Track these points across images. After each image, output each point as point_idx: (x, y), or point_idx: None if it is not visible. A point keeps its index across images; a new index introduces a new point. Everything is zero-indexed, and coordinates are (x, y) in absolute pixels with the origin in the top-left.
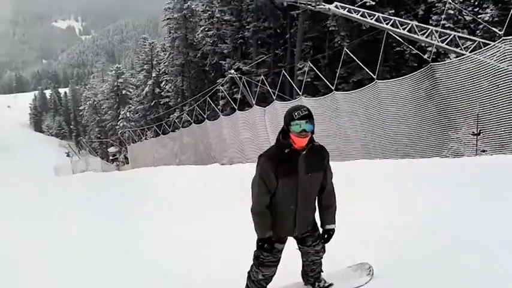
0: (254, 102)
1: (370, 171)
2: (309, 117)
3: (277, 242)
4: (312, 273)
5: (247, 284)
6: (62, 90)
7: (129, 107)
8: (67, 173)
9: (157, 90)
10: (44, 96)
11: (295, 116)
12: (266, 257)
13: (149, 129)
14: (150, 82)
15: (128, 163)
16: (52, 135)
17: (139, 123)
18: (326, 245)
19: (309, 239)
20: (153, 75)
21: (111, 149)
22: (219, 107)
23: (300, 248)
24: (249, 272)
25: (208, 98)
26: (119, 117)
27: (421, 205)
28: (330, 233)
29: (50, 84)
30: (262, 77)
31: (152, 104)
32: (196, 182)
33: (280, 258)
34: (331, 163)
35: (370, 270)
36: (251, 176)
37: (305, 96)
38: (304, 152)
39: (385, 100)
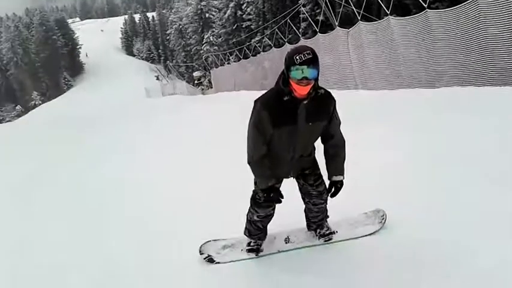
0: (337, 24)
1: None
2: (312, 61)
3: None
4: (314, 219)
5: (245, 225)
6: (149, 15)
7: (212, 31)
8: (157, 95)
9: (239, 13)
10: (133, 20)
11: (296, 60)
12: (261, 197)
13: (231, 54)
14: (231, 5)
15: (211, 87)
16: (143, 59)
17: (222, 48)
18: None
19: (311, 177)
20: None
21: (196, 74)
22: (300, 30)
23: (301, 188)
24: (247, 213)
25: (289, 20)
26: (203, 42)
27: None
28: (337, 186)
29: (139, 9)
30: None
31: (234, 27)
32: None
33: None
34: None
35: (383, 218)
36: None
37: (394, 16)
38: (305, 102)
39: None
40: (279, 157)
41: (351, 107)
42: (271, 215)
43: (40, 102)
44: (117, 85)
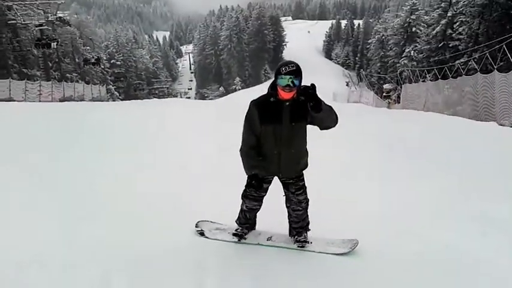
0: None
1: None
2: (295, 73)
3: (262, 180)
4: (294, 224)
5: (238, 215)
6: (356, 22)
7: (415, 46)
8: (343, 100)
9: (449, 31)
10: (339, 25)
11: (282, 71)
12: (250, 191)
13: (429, 72)
14: (443, 21)
15: (399, 102)
16: (338, 64)
17: (421, 64)
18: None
19: (293, 186)
20: (449, 14)
21: (386, 86)
22: None
23: (285, 193)
24: (241, 204)
25: (504, 46)
26: (402, 55)
27: None
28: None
29: (347, 15)
30: None
31: (440, 45)
32: (467, 140)
33: (263, 196)
34: None
35: (354, 245)
36: None
37: None
38: (287, 104)
39: None
40: (267, 154)
41: None
42: (257, 209)
43: (240, 88)
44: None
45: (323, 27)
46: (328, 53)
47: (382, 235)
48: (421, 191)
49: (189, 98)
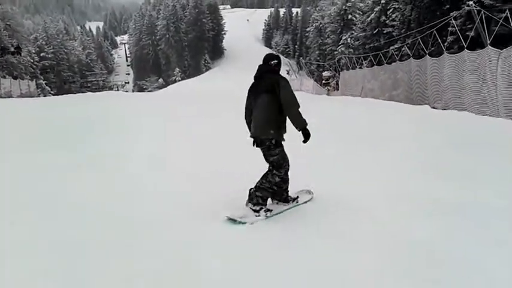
0: (489, 43)
1: None
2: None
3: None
4: (257, 183)
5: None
6: (294, 10)
7: (351, 33)
8: None
9: (383, 18)
10: (278, 13)
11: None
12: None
13: (365, 58)
14: (377, 9)
15: (337, 89)
16: (278, 52)
17: (358, 51)
18: None
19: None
20: (383, 1)
21: (325, 73)
22: (445, 43)
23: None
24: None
25: (435, 32)
26: (340, 43)
27: None
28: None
29: (285, 3)
30: (507, 13)
31: (375, 32)
32: (405, 125)
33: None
34: None
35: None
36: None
37: None
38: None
39: None
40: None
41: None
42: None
43: (180, 78)
44: (249, 73)
45: (262, 15)
46: (267, 41)
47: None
48: (363, 171)
49: (126, 91)
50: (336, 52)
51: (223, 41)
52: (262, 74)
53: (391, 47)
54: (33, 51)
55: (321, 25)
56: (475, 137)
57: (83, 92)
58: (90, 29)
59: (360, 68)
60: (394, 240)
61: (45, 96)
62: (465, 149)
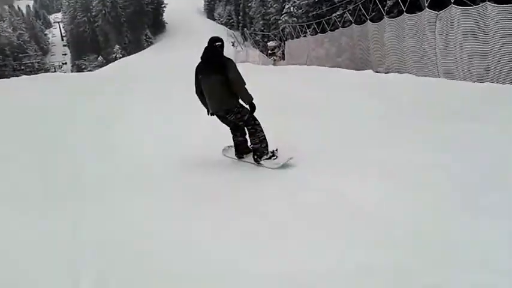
0: (426, 5)
1: None
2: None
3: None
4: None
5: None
6: None
7: (294, 2)
8: None
9: None
10: None
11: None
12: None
13: (309, 27)
14: None
15: (284, 59)
16: (222, 24)
17: (301, 20)
18: None
19: (226, 118)
20: None
21: (270, 43)
22: (385, 8)
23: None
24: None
25: None
26: (283, 12)
27: None
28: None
29: None
30: None
31: (316, 0)
32: (351, 92)
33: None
34: None
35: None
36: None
37: (492, 3)
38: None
39: None
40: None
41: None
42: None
43: (120, 55)
44: (193, 47)
45: None
46: (210, 13)
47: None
48: (315, 137)
49: (65, 72)
50: (279, 21)
51: (164, 14)
52: (209, 56)
53: (334, 14)
54: None
55: None
56: (415, 98)
57: (17, 76)
58: (19, 8)
59: (305, 36)
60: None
61: None
62: (408, 110)
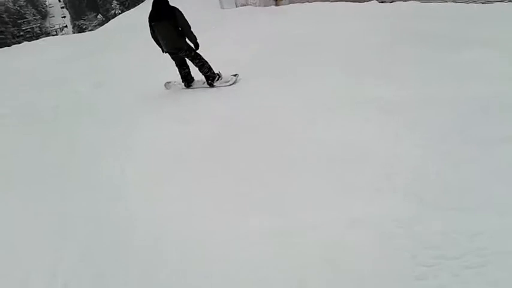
0: None
1: None
2: None
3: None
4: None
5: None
6: None
7: None
8: (231, 5)
9: None
10: None
11: None
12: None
13: None
14: None
15: None
16: None
17: None
18: None
19: (177, 55)
20: None
21: None
22: None
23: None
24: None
25: None
26: None
27: None
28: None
29: None
30: None
31: None
32: (351, 25)
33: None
34: None
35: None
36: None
37: None
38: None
39: None
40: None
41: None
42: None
43: (119, 11)
44: None
45: None
46: None
47: None
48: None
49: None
50: None
51: None
52: (158, 7)
53: None
54: None
55: None
56: (418, 30)
57: (19, 43)
58: None
59: None
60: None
61: None
62: (412, 42)
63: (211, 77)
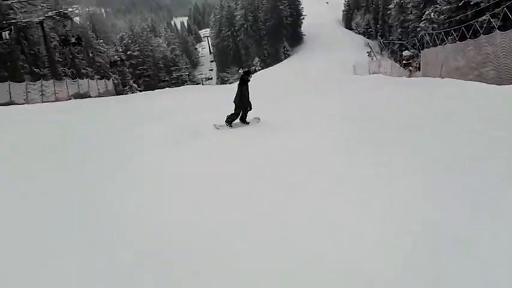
0: None
1: None
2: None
3: None
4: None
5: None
6: None
7: (435, 7)
8: (364, 72)
9: None
10: None
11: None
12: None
13: (448, 34)
14: None
15: (420, 70)
16: (360, 33)
17: (443, 26)
18: None
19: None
20: None
21: (405, 53)
22: None
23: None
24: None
25: None
26: (422, 18)
27: None
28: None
29: None
30: None
31: (460, 3)
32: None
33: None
34: None
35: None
36: None
37: None
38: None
39: None
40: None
41: None
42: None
43: (260, 68)
44: (328, 58)
45: None
46: (348, 22)
47: None
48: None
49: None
50: (418, 29)
51: (302, 26)
52: (240, 78)
53: (480, 18)
54: (120, 50)
55: (401, 1)
56: None
57: (161, 88)
58: (175, 24)
59: (445, 44)
60: None
61: (133, 93)
62: None
63: (246, 119)
